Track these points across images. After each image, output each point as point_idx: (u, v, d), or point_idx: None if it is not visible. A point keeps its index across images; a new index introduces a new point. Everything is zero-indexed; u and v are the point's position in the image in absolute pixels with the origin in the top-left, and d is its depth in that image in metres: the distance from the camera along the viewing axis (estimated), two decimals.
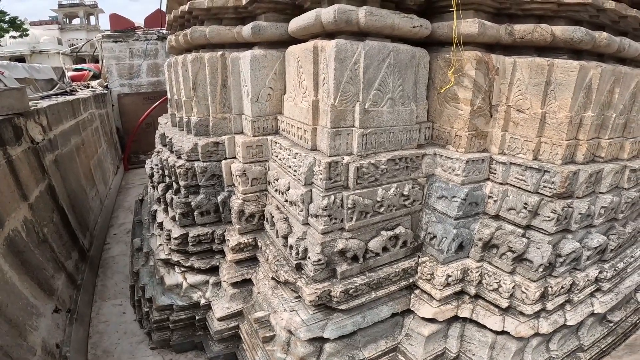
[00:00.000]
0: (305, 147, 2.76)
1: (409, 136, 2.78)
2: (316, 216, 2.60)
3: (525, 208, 2.59)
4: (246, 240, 3.29)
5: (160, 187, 3.76)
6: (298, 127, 2.83)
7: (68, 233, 4.61)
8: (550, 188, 2.51)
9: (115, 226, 6.42)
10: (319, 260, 2.58)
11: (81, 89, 8.80)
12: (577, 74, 2.38)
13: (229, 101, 3.33)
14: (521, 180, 2.63)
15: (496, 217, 2.80)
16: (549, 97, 2.51)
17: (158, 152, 3.94)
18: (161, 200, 3.81)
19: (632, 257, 3.33)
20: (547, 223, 2.57)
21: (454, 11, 2.50)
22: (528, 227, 2.69)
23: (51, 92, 7.25)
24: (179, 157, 3.40)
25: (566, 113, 2.46)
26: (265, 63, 3.08)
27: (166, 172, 3.67)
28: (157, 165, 4.03)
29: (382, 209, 2.73)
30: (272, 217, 3.07)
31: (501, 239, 2.71)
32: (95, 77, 10.92)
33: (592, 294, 3.08)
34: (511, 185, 2.71)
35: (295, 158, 2.75)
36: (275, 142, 3.07)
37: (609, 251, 2.98)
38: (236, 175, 3.21)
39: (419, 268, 2.96)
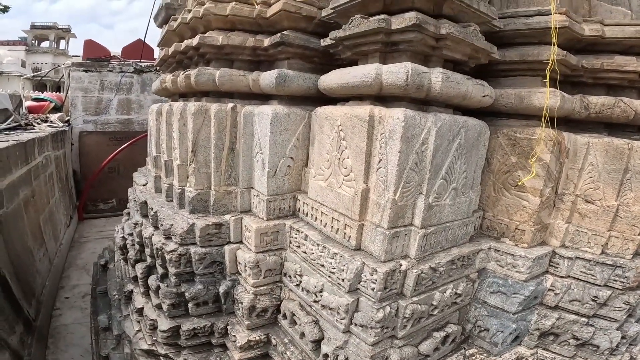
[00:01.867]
0: (345, 246, 2.22)
1: (465, 230, 2.38)
2: (365, 327, 2.09)
3: (594, 300, 2.41)
4: (257, 337, 2.64)
5: (140, 267, 2.99)
6: (334, 218, 2.28)
7: (11, 304, 3.72)
8: (622, 282, 2.34)
9: (66, 288, 5.35)
10: None
11: (38, 123, 7.34)
12: None
13: (236, 171, 2.70)
14: (588, 274, 2.40)
15: (555, 307, 2.55)
16: (625, 188, 2.24)
17: (136, 223, 3.15)
18: (140, 282, 3.05)
19: None
20: (617, 313, 2.43)
21: (547, 83, 2.15)
22: (594, 315, 2.49)
23: (3, 125, 6.00)
24: (169, 238, 2.71)
25: None
26: (288, 125, 2.51)
27: (147, 250, 2.93)
28: (130, 235, 3.27)
29: (436, 312, 2.30)
30: (294, 315, 2.50)
31: (563, 328, 2.54)
32: (56, 109, 9.23)
33: None
34: (575, 278, 2.45)
35: (332, 258, 2.21)
36: (298, 231, 2.48)
37: None
38: (246, 267, 2.58)
39: None
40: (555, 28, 2.17)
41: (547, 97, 2.14)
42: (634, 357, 2.75)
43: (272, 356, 2.69)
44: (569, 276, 2.45)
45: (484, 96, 2.19)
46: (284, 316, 2.65)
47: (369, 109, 2.07)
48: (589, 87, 2.46)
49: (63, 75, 10.78)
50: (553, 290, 2.47)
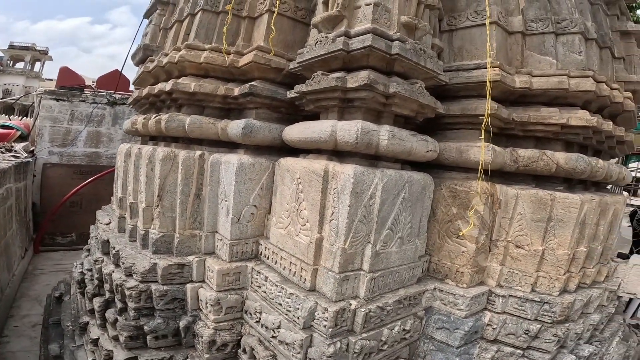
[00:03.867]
0: (301, 287, 2.39)
1: (411, 274, 2.60)
2: None
3: (526, 334, 2.64)
4: None
5: (97, 301, 3.01)
6: (292, 262, 2.46)
7: None
8: (550, 316, 2.60)
9: (16, 317, 5.12)
10: None
11: (2, 152, 6.98)
12: (577, 210, 2.46)
13: (202, 216, 2.82)
14: (520, 310, 2.66)
15: (494, 341, 2.76)
16: (549, 234, 2.55)
17: (96, 260, 3.18)
18: (97, 315, 3.06)
19: (607, 353, 3.58)
20: (548, 344, 2.65)
21: (482, 141, 2.43)
22: (528, 347, 2.71)
23: None
24: (129, 276, 2.77)
25: (565, 250, 2.53)
26: (253, 175, 2.68)
27: (106, 286, 2.97)
28: (89, 271, 3.29)
29: (385, 347, 2.47)
30: (253, 350, 2.60)
31: None
32: (23, 137, 8.66)
33: None
34: (510, 314, 2.70)
35: (289, 298, 2.37)
36: (259, 273, 2.63)
37: (593, 355, 3.15)
38: (207, 304, 2.68)
39: None
40: (489, 82, 2.44)
41: (482, 152, 2.42)
42: None
43: None
44: (504, 312, 2.69)
45: (427, 151, 2.46)
46: (244, 351, 2.74)
47: (324, 164, 2.28)
48: (520, 140, 2.72)
49: (34, 102, 10.33)
50: (491, 325, 2.70)
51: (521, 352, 2.70)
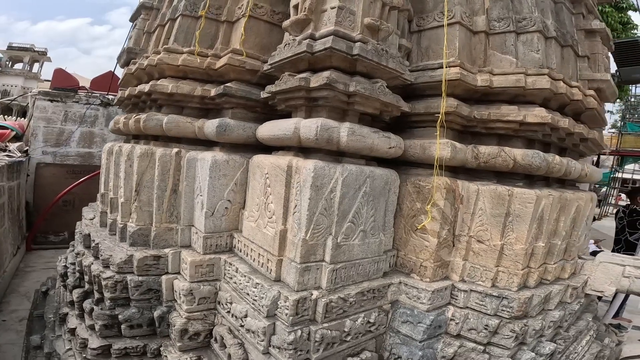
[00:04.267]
0: (267, 277, 2.49)
1: (376, 267, 2.68)
2: (280, 348, 2.32)
3: (486, 329, 2.69)
4: (188, 358, 2.78)
5: (77, 292, 3.12)
6: (260, 254, 2.56)
7: None
8: (508, 311, 2.64)
9: (5, 312, 5.26)
10: None
11: None
12: (533, 205, 2.53)
13: (178, 210, 2.94)
14: (481, 305, 2.72)
15: (457, 336, 2.82)
16: (507, 229, 2.63)
17: (78, 253, 3.31)
18: (75, 305, 3.18)
19: (575, 352, 3.62)
20: (507, 340, 2.69)
21: (438, 137, 2.52)
22: (488, 343, 2.75)
23: None
24: (107, 267, 2.88)
25: (522, 245, 2.60)
26: (227, 171, 2.79)
27: (86, 278, 3.08)
28: (73, 264, 3.40)
29: (349, 338, 2.55)
30: (223, 339, 2.70)
31: (464, 356, 2.76)
32: (17, 137, 8.86)
33: None
34: (471, 309, 2.76)
35: (255, 288, 2.47)
36: (231, 264, 2.74)
37: (557, 353, 3.19)
38: (181, 294, 2.79)
39: None
40: (445, 81, 2.55)
41: (437, 148, 2.52)
42: None
43: None
44: (466, 307, 2.76)
45: (390, 148, 2.56)
46: (216, 340, 2.84)
47: (288, 159, 2.40)
48: (484, 137, 2.81)
49: (28, 103, 10.56)
50: (454, 320, 2.76)
51: (482, 347, 2.74)
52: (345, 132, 2.30)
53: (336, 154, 2.48)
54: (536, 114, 2.51)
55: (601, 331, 4.21)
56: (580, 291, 3.21)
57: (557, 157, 2.69)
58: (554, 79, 2.58)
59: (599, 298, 5.75)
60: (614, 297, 5.20)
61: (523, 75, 2.57)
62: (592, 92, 2.90)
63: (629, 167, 15.61)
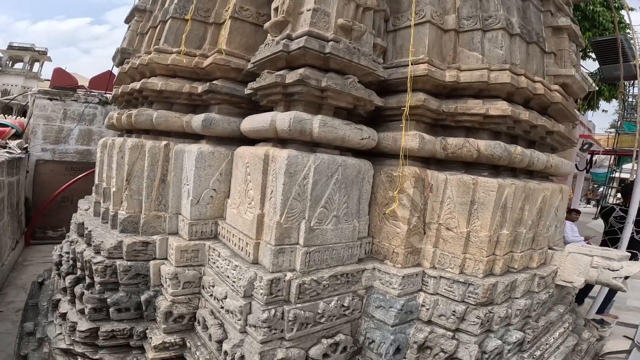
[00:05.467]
0: (246, 260, 2.65)
1: (350, 252, 2.83)
2: (255, 326, 2.48)
3: (454, 315, 2.80)
4: (172, 340, 2.95)
5: (69, 279, 3.30)
6: (240, 238, 2.73)
7: None
8: (474, 298, 2.75)
9: (2, 304, 5.47)
10: None
11: None
12: (496, 193, 2.66)
13: (166, 199, 3.12)
14: (450, 291, 2.84)
15: (428, 322, 2.93)
16: (473, 217, 2.77)
17: (72, 241, 3.49)
18: (67, 291, 3.35)
19: (547, 344, 3.70)
20: (473, 327, 2.78)
21: (403, 129, 2.68)
22: (457, 330, 2.86)
23: None
24: (98, 253, 3.06)
25: (486, 232, 2.73)
26: (212, 162, 2.97)
27: (79, 264, 3.25)
28: (67, 253, 3.57)
29: (323, 320, 2.70)
30: (205, 320, 2.86)
31: (434, 342, 2.85)
32: (17, 135, 9.15)
33: None
34: (441, 295, 2.89)
35: (234, 270, 2.63)
36: (214, 249, 2.91)
37: (527, 342, 3.26)
38: (166, 278, 2.96)
39: None
40: (411, 77, 2.73)
41: (403, 139, 2.69)
42: None
43: (186, 357, 3.00)
44: (437, 293, 2.88)
45: (362, 139, 2.73)
46: (199, 322, 2.99)
47: (265, 149, 2.58)
48: (453, 130, 2.96)
49: (28, 102, 10.87)
50: (425, 306, 2.88)
51: (451, 333, 2.84)
52: (317, 123, 2.47)
53: (311, 144, 2.64)
54: (498, 107, 2.67)
55: (579, 325, 4.29)
56: (549, 281, 3.31)
57: (518, 147, 2.82)
58: (515, 73, 2.74)
59: (583, 295, 5.84)
60: (599, 292, 5.30)
61: (487, 70, 2.73)
62: (557, 87, 3.05)
63: (627, 166, 15.65)
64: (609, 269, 3.15)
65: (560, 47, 3.22)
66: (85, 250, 3.16)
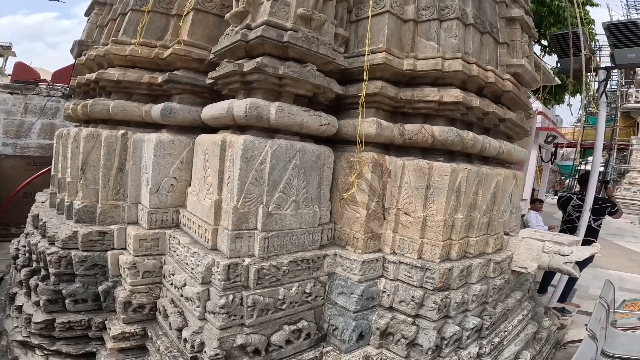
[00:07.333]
0: (205, 247, 2.64)
1: (311, 238, 2.85)
2: (214, 313, 2.47)
3: (412, 300, 2.85)
4: (133, 330, 2.91)
5: (24, 271, 3.21)
6: (199, 225, 2.71)
7: None
8: (431, 283, 2.80)
9: None
10: (217, 354, 2.41)
11: None
12: (449, 177, 2.73)
13: (125, 188, 3.07)
14: (409, 276, 2.88)
15: (390, 308, 2.98)
16: (429, 201, 2.84)
17: (27, 234, 3.39)
18: (23, 284, 3.25)
19: (505, 331, 3.79)
20: (431, 312, 2.83)
21: (360, 115, 2.72)
22: (417, 316, 2.91)
23: None
24: (52, 244, 2.98)
25: (442, 216, 2.80)
26: (172, 150, 2.95)
27: (34, 256, 3.16)
28: (24, 246, 3.47)
29: (284, 306, 2.70)
30: (166, 309, 2.82)
31: (395, 328, 2.90)
32: None
33: None
34: (401, 281, 2.93)
35: (193, 257, 2.61)
36: (174, 238, 2.87)
37: (485, 329, 3.33)
38: (125, 268, 2.90)
39: (324, 358, 2.94)
40: (367, 65, 2.80)
41: (359, 125, 2.75)
42: (461, 359, 2.99)
43: (147, 347, 2.96)
44: (397, 279, 2.92)
45: (321, 125, 2.77)
46: (159, 311, 2.96)
47: (223, 135, 2.58)
48: (412, 117, 3.03)
49: None
50: (386, 292, 2.92)
51: (412, 319, 2.88)
52: (274, 110, 2.50)
53: (270, 130, 2.66)
54: (451, 94, 2.76)
55: (539, 313, 4.43)
56: (505, 267, 3.42)
57: (470, 133, 2.92)
58: (467, 62, 2.85)
59: (546, 284, 6.02)
60: (559, 280, 5.46)
61: (441, 59, 2.82)
62: (509, 76, 3.18)
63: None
64: (559, 253, 3.26)
65: (513, 37, 3.35)
66: (40, 241, 3.07)
